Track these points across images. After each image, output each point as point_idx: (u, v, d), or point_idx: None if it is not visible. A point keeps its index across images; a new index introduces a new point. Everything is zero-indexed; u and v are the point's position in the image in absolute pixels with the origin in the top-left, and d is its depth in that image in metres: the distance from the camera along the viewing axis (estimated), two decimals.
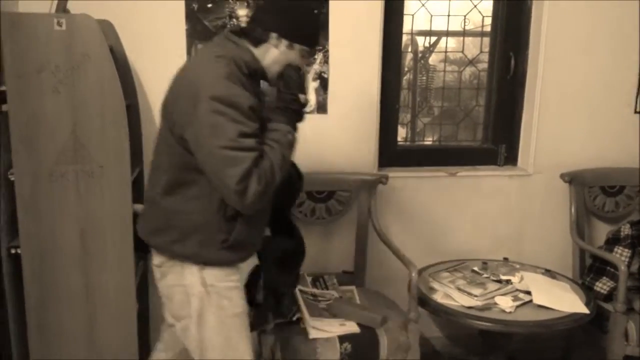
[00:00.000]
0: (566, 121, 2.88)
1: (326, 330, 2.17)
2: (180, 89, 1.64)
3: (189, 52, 2.51)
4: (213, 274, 1.72)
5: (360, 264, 2.69)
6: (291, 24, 1.71)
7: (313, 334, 2.15)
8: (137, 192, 2.12)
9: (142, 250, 1.91)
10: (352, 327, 2.20)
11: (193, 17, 2.49)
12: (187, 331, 1.76)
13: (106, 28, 2.22)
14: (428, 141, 3.14)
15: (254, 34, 1.71)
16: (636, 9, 2.82)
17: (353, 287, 2.57)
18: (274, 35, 1.69)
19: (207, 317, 1.73)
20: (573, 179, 2.82)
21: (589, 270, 2.72)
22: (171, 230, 1.71)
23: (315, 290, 2.45)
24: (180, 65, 1.75)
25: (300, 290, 2.38)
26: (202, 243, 1.69)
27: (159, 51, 2.49)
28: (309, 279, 2.53)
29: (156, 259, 1.78)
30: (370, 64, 2.68)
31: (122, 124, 1.99)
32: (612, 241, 2.72)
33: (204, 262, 1.71)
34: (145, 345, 2.52)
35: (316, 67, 2.63)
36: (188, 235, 1.69)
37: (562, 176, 2.81)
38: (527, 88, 2.91)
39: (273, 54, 1.71)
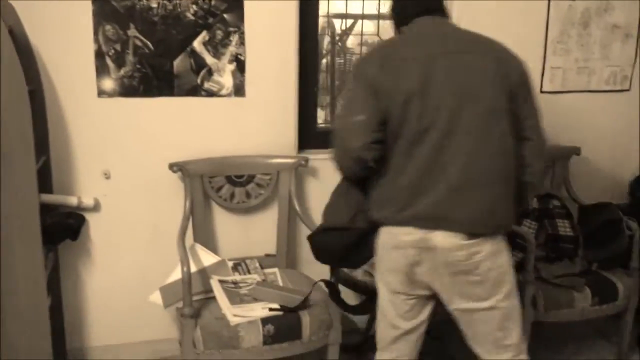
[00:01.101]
0: None
1: (247, 315, 2.16)
2: (510, 67, 1.90)
3: (95, 34, 2.40)
4: None
5: (282, 247, 2.70)
6: None
7: (234, 320, 2.14)
8: (43, 182, 2.02)
9: (50, 242, 1.83)
10: (274, 309, 2.21)
11: None
12: (503, 307, 1.79)
13: (5, 9, 2.10)
14: None
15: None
16: None
17: (276, 270, 2.57)
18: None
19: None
20: None
21: None
22: (507, 208, 1.79)
23: (236, 277, 2.43)
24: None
25: (220, 280, 2.36)
26: None
27: (64, 33, 2.37)
28: (230, 264, 2.51)
29: (489, 247, 1.74)
30: (287, 46, 2.67)
31: (25, 111, 1.90)
32: (521, 215, 2.86)
33: None
34: (59, 341, 2.43)
35: (232, 49, 2.60)
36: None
37: None
38: None
39: None
